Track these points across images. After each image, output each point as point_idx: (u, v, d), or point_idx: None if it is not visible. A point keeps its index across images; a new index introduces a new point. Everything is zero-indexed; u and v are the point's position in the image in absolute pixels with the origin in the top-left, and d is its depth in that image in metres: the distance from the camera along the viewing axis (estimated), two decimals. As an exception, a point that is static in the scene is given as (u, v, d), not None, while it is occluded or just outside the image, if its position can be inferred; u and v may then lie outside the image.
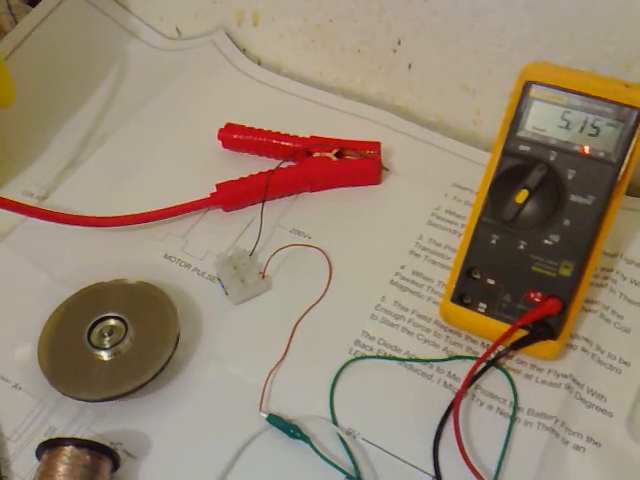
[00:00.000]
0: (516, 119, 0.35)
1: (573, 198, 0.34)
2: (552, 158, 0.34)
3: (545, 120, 0.34)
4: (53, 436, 0.33)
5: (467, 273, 0.36)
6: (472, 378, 0.35)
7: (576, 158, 0.34)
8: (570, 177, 0.34)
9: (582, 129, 0.34)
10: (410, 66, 0.47)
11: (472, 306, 0.36)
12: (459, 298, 0.36)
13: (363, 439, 0.34)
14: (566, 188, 0.34)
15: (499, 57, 0.43)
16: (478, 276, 0.36)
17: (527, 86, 0.34)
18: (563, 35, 0.41)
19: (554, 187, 0.34)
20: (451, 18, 0.43)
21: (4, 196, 0.39)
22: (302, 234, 0.42)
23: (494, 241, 0.35)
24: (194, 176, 0.45)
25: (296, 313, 0.38)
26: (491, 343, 0.35)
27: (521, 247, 0.35)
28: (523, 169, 0.34)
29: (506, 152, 0.35)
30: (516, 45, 0.42)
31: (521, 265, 0.35)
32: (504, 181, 0.35)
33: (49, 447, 0.31)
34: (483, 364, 0.35)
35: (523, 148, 0.34)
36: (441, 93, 0.47)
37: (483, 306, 0.36)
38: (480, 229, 0.35)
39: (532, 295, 0.35)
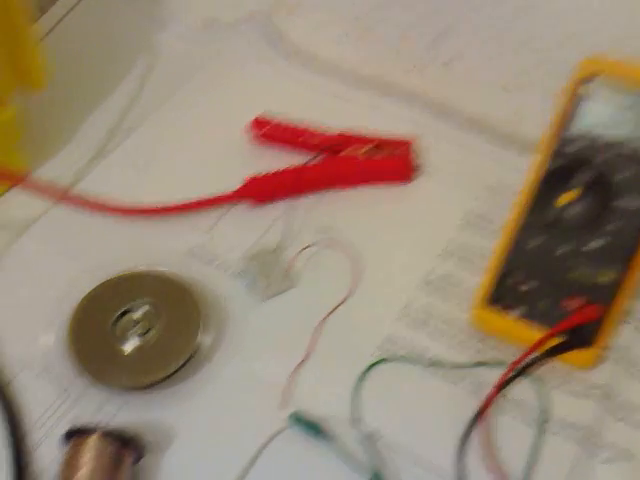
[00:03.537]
0: (566, 117, 0.33)
1: (621, 202, 0.33)
2: (601, 159, 0.33)
3: (596, 119, 0.33)
4: (77, 425, 0.33)
5: (503, 277, 0.35)
6: (502, 385, 0.34)
7: (627, 160, 0.33)
8: (619, 179, 0.33)
9: (635, 129, 0.32)
10: (448, 63, 0.46)
11: (506, 311, 0.35)
12: (493, 302, 0.35)
13: (386, 442, 0.33)
14: (614, 191, 0.33)
15: (543, 54, 0.42)
16: (515, 280, 0.35)
17: (581, 82, 0.33)
18: (616, 30, 0.39)
19: (601, 190, 0.33)
20: (493, 14, 0.42)
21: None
22: (329, 232, 0.41)
23: (534, 244, 0.34)
24: (221, 169, 0.44)
25: (321, 312, 0.38)
26: (522, 350, 0.34)
27: (562, 251, 0.34)
28: (570, 170, 0.33)
29: (553, 152, 0.34)
30: (562, 42, 0.41)
31: (561, 270, 0.34)
32: (549, 182, 0.34)
33: (74, 436, 0.31)
34: (513, 371, 0.35)
35: (571, 148, 0.33)
36: (479, 91, 0.46)
37: (518, 311, 0.35)
38: (520, 231, 0.34)
39: (570, 301, 0.34)
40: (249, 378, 0.36)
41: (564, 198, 0.33)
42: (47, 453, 0.33)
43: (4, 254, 0.41)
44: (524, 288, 0.35)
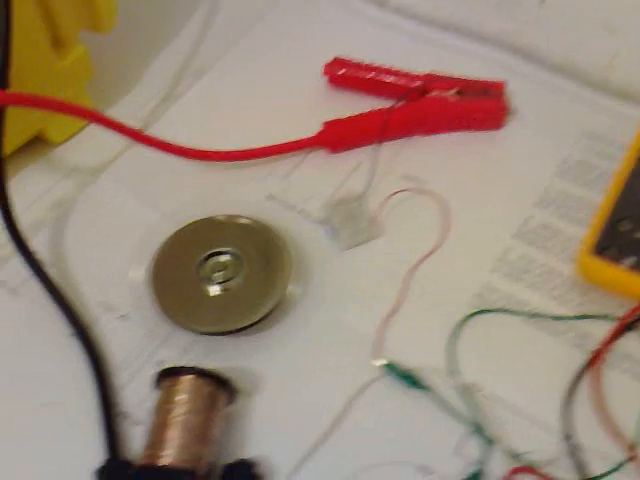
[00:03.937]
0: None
1: None
2: None
3: None
4: (173, 365, 0.32)
5: (612, 225, 0.33)
6: (612, 339, 0.32)
7: None
8: None
9: None
10: (544, -1, 0.43)
11: (615, 261, 0.33)
12: (600, 252, 0.33)
13: (486, 394, 0.32)
14: None
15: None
16: (625, 229, 0.33)
17: None
18: None
19: None
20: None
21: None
22: (416, 179, 0.39)
23: (649, 191, 0.32)
24: (297, 114, 0.42)
25: (410, 261, 0.36)
26: (629, 302, 0.32)
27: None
28: None
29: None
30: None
31: (679, 218, 0.32)
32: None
33: (170, 375, 0.30)
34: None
35: None
36: (575, 32, 0.43)
37: (628, 262, 0.33)
38: (633, 177, 0.32)
39: (689, 251, 0.32)
40: (337, 327, 0.34)
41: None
42: (133, 394, 0.32)
43: (82, 194, 0.40)
44: (635, 237, 0.33)
